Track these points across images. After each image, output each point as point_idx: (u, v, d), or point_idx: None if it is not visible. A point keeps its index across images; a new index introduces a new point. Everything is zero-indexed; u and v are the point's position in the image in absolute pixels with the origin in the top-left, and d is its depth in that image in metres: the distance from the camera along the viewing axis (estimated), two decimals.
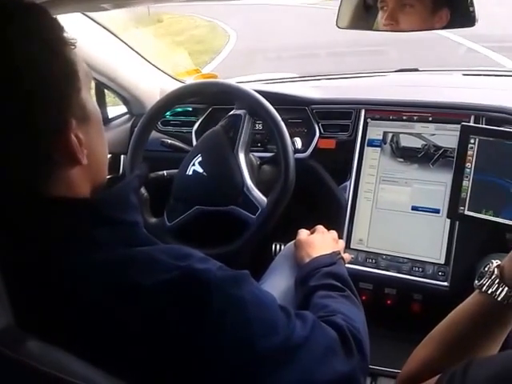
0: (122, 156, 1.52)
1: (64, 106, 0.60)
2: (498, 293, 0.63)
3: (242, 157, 1.28)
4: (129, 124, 1.62)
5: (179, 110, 1.56)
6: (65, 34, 0.61)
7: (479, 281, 0.65)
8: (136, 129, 1.42)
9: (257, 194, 1.26)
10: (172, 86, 1.56)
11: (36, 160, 0.59)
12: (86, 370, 0.54)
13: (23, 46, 0.57)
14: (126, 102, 1.65)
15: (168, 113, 1.53)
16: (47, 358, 0.52)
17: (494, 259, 0.67)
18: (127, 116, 1.68)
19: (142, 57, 1.62)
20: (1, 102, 0.56)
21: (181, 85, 1.54)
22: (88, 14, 1.38)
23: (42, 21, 0.60)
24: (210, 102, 1.52)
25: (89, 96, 0.65)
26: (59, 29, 0.61)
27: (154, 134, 1.49)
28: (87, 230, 0.60)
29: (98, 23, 1.44)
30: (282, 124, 1.25)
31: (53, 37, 0.60)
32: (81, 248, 0.59)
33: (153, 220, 1.33)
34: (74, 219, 0.60)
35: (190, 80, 1.71)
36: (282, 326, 0.65)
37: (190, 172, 1.30)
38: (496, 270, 0.64)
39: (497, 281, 0.63)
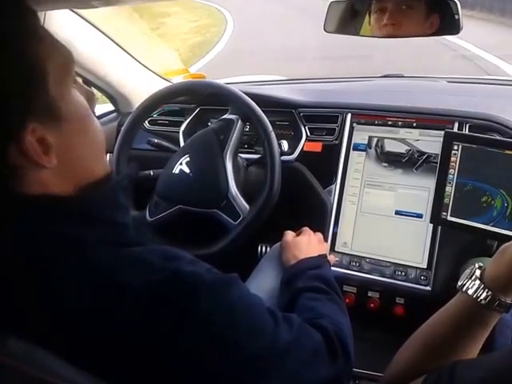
0: (108, 154, 1.51)
1: (17, 109, 0.56)
2: (478, 294, 0.64)
3: (229, 161, 1.28)
4: (115, 122, 1.62)
5: (167, 109, 1.56)
6: (28, 26, 0.57)
7: (461, 281, 0.67)
8: (122, 127, 1.42)
9: (240, 201, 1.26)
10: (160, 85, 1.56)
11: (2, 164, 0.57)
12: (69, 371, 0.54)
13: None
14: (112, 100, 1.65)
15: (155, 112, 1.53)
16: (30, 359, 0.52)
17: (475, 263, 0.69)
18: (114, 114, 1.68)
19: (130, 55, 1.62)
20: None
21: (168, 84, 1.54)
22: (76, 10, 1.37)
23: None
24: (198, 102, 1.52)
25: (67, 93, 0.61)
26: (19, 18, 0.57)
27: (141, 133, 1.49)
28: (74, 229, 0.59)
29: (86, 20, 1.43)
30: (273, 136, 1.26)
31: (3, 31, 0.55)
32: (67, 247, 0.58)
33: (134, 213, 1.33)
34: (60, 218, 0.59)
35: (179, 80, 1.71)
36: (269, 329, 0.65)
37: (176, 171, 1.30)
38: (478, 271, 0.66)
39: (478, 282, 0.65)
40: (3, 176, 0.57)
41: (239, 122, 1.30)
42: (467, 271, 0.67)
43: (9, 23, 0.56)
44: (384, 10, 1.25)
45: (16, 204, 0.58)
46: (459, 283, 0.67)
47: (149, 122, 1.57)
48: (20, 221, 0.58)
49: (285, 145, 1.37)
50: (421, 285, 1.21)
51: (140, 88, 1.63)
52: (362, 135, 1.34)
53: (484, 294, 0.64)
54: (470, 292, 0.65)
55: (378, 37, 1.30)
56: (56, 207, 0.59)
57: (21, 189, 0.58)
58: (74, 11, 1.35)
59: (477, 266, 0.67)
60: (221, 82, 1.48)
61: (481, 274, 0.66)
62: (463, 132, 1.23)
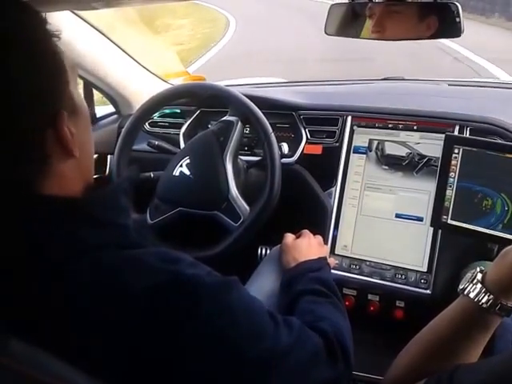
0: (109, 156, 1.52)
1: (55, 99, 0.60)
2: (480, 298, 0.64)
3: (229, 163, 1.28)
4: (116, 124, 1.62)
5: (167, 111, 1.56)
6: (48, 27, 0.61)
7: (463, 285, 0.67)
8: (123, 129, 1.42)
9: (241, 202, 1.27)
10: (160, 87, 1.56)
11: (30, 156, 0.58)
12: (70, 372, 0.53)
13: (10, 40, 0.57)
14: (113, 101, 1.65)
15: (156, 114, 1.53)
16: (31, 360, 0.52)
17: (476, 267, 0.69)
18: (115, 116, 1.68)
19: (131, 57, 1.62)
20: None
21: (169, 86, 1.54)
22: (77, 12, 1.37)
23: (25, 15, 0.60)
24: (199, 105, 1.52)
25: (76, 90, 0.65)
26: (43, 22, 0.61)
27: (142, 134, 1.49)
28: (76, 231, 0.59)
29: (87, 22, 1.43)
30: (273, 138, 1.26)
31: (40, 30, 0.60)
32: (69, 249, 0.58)
33: (134, 216, 1.33)
34: (64, 219, 0.59)
35: (179, 82, 1.71)
36: (269, 332, 0.65)
37: (176, 173, 1.30)
38: (479, 275, 0.66)
39: (479, 286, 0.65)
40: (32, 170, 0.59)
41: (239, 123, 1.30)
42: (468, 275, 0.67)
43: (38, 27, 0.60)
44: (373, 16, 1.25)
45: (30, 203, 0.58)
46: (460, 287, 0.67)
47: (149, 123, 1.57)
48: (28, 221, 0.58)
49: (285, 147, 1.38)
50: (421, 288, 1.21)
51: (141, 90, 1.63)
52: (362, 138, 1.34)
53: (485, 298, 0.64)
54: (472, 295, 0.65)
55: (376, 39, 1.29)
56: (64, 208, 0.59)
57: (40, 187, 0.59)
58: (74, 13, 1.35)
59: (478, 269, 0.67)
60: (221, 83, 1.48)
61: (482, 278, 0.65)
62: (464, 135, 1.23)
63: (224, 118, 1.33)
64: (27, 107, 0.57)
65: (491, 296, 0.63)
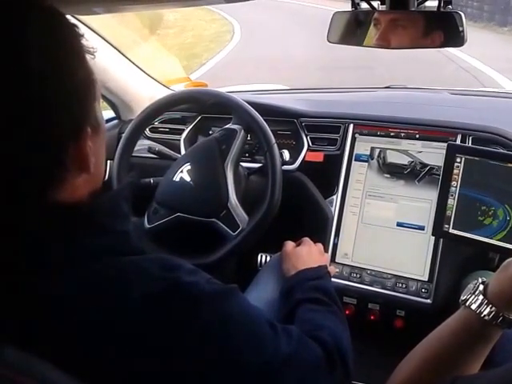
0: (109, 161, 1.51)
1: (83, 114, 0.60)
2: (481, 309, 0.64)
3: (230, 171, 1.27)
4: (116, 130, 1.61)
5: (168, 117, 1.56)
6: (85, 42, 0.61)
7: (464, 296, 0.66)
8: (124, 134, 1.41)
9: (240, 211, 1.25)
10: (161, 92, 1.56)
11: (49, 165, 0.57)
12: (67, 380, 0.53)
13: (47, 50, 0.56)
14: (114, 106, 1.64)
15: (157, 120, 1.52)
16: (27, 369, 0.51)
17: (478, 277, 0.68)
18: (115, 121, 1.67)
19: (132, 62, 1.62)
20: (18, 105, 0.54)
21: (170, 92, 1.53)
22: (77, 17, 1.37)
23: (66, 27, 0.60)
24: (200, 111, 1.52)
25: (99, 106, 0.65)
26: (80, 36, 0.61)
27: (142, 140, 1.48)
28: (77, 236, 0.58)
29: (87, 26, 1.43)
30: (276, 148, 1.26)
31: (77, 43, 0.60)
32: (68, 255, 0.57)
33: (132, 219, 1.32)
34: (65, 224, 0.58)
35: (180, 88, 1.71)
36: (268, 341, 0.64)
37: (176, 178, 1.30)
38: (481, 286, 0.65)
39: (480, 297, 0.64)
40: (48, 179, 0.58)
41: (242, 132, 1.30)
42: (470, 286, 0.66)
43: (78, 39, 0.60)
44: (378, 25, 1.24)
45: (34, 208, 0.57)
46: (462, 298, 0.66)
47: (149, 129, 1.57)
48: (30, 224, 0.57)
49: (286, 154, 1.37)
50: (422, 297, 1.21)
51: (142, 95, 1.63)
52: (364, 146, 1.33)
53: (487, 310, 0.63)
54: (474, 307, 0.64)
55: (377, 47, 1.29)
56: (66, 213, 0.59)
57: (51, 195, 0.58)
58: (75, 17, 1.35)
59: (480, 280, 0.66)
60: (223, 90, 1.48)
61: (484, 290, 0.65)
62: (466, 144, 1.23)
63: (227, 126, 1.32)
64: (55, 120, 0.57)
65: (493, 308, 0.63)
